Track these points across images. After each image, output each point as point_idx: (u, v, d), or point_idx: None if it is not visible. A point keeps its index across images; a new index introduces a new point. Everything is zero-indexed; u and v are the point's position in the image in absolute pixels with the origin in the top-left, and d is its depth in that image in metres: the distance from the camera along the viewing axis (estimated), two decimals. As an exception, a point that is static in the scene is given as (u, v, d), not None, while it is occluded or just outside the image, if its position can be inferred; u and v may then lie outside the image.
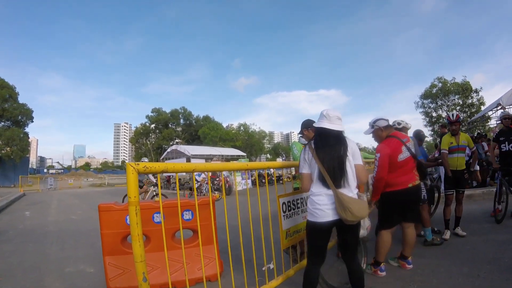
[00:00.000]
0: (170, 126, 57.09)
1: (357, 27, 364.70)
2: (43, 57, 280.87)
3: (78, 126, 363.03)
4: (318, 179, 2.48)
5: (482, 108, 29.83)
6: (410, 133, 4.85)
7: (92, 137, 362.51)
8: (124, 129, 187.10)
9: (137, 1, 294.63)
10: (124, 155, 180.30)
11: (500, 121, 6.38)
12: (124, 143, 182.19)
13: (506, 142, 5.47)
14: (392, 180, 3.36)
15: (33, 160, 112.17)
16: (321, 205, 2.42)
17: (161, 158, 36.62)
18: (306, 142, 3.90)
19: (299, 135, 4.05)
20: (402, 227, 3.70)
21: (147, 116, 56.60)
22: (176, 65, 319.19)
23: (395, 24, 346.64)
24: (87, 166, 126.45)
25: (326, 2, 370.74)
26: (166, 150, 35.42)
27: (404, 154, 3.45)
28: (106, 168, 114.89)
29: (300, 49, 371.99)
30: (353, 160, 2.52)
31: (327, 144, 2.50)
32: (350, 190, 2.46)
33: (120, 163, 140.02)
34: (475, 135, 11.90)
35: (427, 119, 36.92)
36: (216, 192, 13.36)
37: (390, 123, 4.75)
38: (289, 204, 3.17)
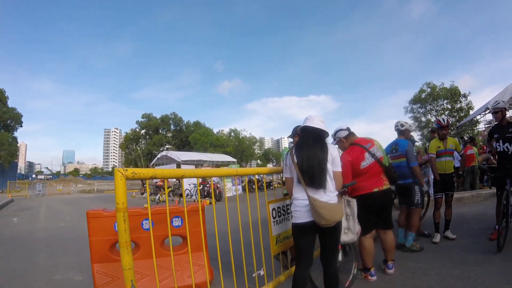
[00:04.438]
0: (160, 131, 56.82)
1: (347, 33, 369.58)
2: (33, 60, 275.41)
3: (67, 131, 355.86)
4: (297, 183, 2.62)
5: (471, 112, 30.35)
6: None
7: (82, 142, 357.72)
8: (114, 134, 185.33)
9: (127, 6, 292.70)
10: (114, 161, 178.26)
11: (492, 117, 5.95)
12: (114, 149, 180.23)
13: (501, 141, 4.56)
14: (357, 185, 3.39)
15: (21, 165, 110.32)
16: (299, 207, 2.57)
17: (151, 164, 36.28)
18: None
19: (289, 140, 4.06)
20: (378, 234, 3.72)
21: (137, 122, 56.38)
22: (167, 71, 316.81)
23: (385, 30, 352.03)
24: (76, 172, 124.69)
25: (315, 8, 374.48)
26: (156, 156, 35.14)
27: (367, 161, 3.50)
28: (96, 174, 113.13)
29: (290, 55, 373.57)
30: (332, 167, 2.63)
31: (307, 144, 2.62)
32: (328, 192, 2.55)
33: (110, 169, 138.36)
34: (468, 139, 11.51)
35: (416, 123, 37.49)
36: (206, 198, 13.28)
37: (394, 124, 4.80)
38: (279, 210, 3.17)
